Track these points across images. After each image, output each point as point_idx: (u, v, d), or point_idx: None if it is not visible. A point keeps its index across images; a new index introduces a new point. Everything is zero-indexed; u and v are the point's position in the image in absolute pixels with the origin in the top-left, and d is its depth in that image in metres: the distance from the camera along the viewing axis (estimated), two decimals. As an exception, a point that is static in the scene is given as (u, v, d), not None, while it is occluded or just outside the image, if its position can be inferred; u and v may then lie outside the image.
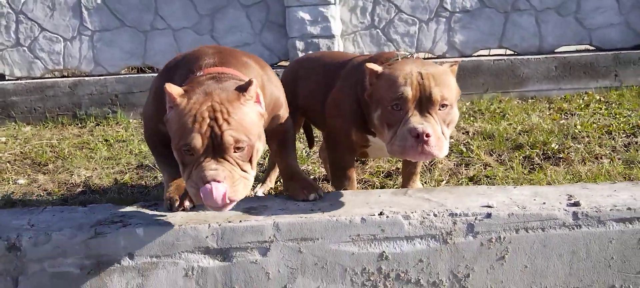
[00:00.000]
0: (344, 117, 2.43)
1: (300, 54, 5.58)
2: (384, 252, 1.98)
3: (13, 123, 5.68)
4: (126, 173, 3.61)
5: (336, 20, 5.67)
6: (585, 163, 3.20)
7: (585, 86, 5.55)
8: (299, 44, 5.69)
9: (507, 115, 4.66)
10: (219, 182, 1.76)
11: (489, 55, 5.90)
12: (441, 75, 2.09)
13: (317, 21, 5.64)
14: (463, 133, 4.16)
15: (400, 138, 2.01)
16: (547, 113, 4.76)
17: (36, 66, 5.99)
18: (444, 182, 3.07)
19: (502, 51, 5.94)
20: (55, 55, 5.99)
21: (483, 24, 5.82)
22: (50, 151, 4.41)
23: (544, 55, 5.65)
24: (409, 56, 2.31)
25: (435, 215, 1.98)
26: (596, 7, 5.72)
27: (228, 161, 1.82)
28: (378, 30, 5.88)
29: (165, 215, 2.07)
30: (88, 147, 4.51)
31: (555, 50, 5.84)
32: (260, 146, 1.96)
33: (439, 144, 1.98)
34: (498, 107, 5.03)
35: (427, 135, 1.95)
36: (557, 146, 3.53)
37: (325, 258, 1.98)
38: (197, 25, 5.90)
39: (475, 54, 5.91)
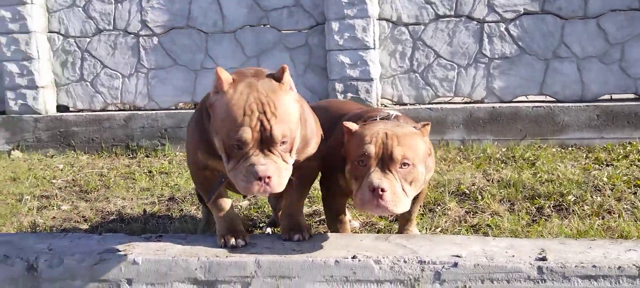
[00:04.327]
0: (335, 165, 2.61)
1: (340, 96, 5.80)
2: (356, 293, 2.11)
3: (72, 152, 6.18)
4: (157, 204, 3.90)
5: (375, 64, 5.85)
6: (593, 217, 3.18)
7: (629, 136, 5.43)
8: (339, 86, 5.91)
9: (537, 163, 4.64)
10: (269, 177, 1.96)
11: (528, 101, 5.87)
12: (406, 137, 2.25)
13: (356, 64, 5.85)
14: (486, 179, 4.19)
15: (361, 191, 2.16)
16: (583, 163, 4.70)
17: (97, 100, 6.51)
18: (439, 229, 3.13)
19: (542, 98, 5.90)
20: (113, 90, 6.49)
21: (523, 71, 5.82)
22: (99, 180, 4.80)
23: (586, 103, 5.58)
24: (392, 115, 2.48)
25: (405, 262, 2.09)
26: (641, 56, 5.61)
27: (274, 154, 2.00)
28: (417, 74, 6.00)
29: (164, 247, 2.29)
30: (132, 177, 4.87)
31: (598, 99, 5.74)
32: (298, 135, 2.13)
33: (395, 200, 2.12)
34: (533, 155, 5.01)
35: (382, 190, 2.10)
36: (573, 198, 3.52)
37: (303, 295, 2.13)
38: (244, 65, 6.22)
39: (515, 100, 5.91)
